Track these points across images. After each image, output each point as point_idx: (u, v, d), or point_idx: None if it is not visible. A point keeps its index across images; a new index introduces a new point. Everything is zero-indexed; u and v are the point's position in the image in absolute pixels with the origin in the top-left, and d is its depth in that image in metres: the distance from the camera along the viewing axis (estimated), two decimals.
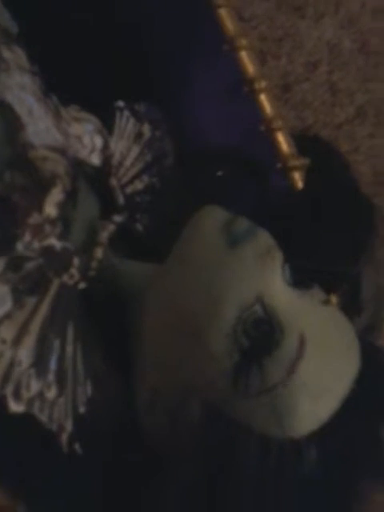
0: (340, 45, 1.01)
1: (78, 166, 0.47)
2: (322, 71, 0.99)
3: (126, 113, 0.52)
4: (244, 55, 0.54)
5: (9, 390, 0.43)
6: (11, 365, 0.43)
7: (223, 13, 0.54)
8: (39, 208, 0.44)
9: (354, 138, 1.00)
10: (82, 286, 0.47)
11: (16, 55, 0.45)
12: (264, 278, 0.44)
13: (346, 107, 1.00)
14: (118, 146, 0.51)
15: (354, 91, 1.01)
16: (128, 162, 0.52)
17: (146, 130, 0.53)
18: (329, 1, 1.00)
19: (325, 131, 0.99)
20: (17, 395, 0.43)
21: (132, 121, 0.53)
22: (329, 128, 0.99)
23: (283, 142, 0.56)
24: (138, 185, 0.53)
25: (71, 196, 0.46)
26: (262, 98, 0.55)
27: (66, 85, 0.48)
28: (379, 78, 1.01)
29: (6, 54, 0.45)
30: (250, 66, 0.55)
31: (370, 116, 1.01)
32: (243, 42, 0.54)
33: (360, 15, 1.01)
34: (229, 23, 0.54)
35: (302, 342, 0.43)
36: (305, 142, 0.59)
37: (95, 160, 0.49)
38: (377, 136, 1.01)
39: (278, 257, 0.46)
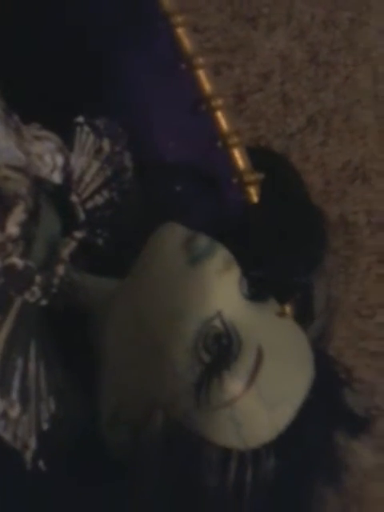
0: (292, 56, 1.03)
1: (39, 185, 0.48)
2: (274, 82, 1.02)
3: (86, 128, 0.53)
4: (201, 74, 0.56)
5: None
6: None
7: (180, 32, 0.55)
8: (1, 227, 0.44)
9: (305, 147, 1.03)
10: (43, 303, 0.48)
11: None
12: (223, 293, 0.46)
13: (298, 117, 1.03)
14: (78, 162, 0.52)
15: (305, 101, 1.04)
16: (88, 178, 0.53)
17: (106, 145, 0.54)
18: (281, 12, 1.02)
19: (277, 141, 1.01)
20: None
21: (92, 136, 0.53)
22: (281, 137, 1.02)
23: (239, 157, 0.58)
24: (98, 200, 0.54)
25: (33, 214, 0.46)
26: (219, 115, 0.57)
27: (25, 103, 0.48)
28: (330, 88, 1.04)
29: None
30: (206, 85, 0.56)
31: (320, 125, 1.04)
32: (200, 60, 0.56)
33: (311, 27, 1.04)
34: (186, 43, 0.55)
35: (259, 355, 0.45)
36: (258, 154, 0.61)
37: (56, 178, 0.50)
38: (327, 145, 1.04)
39: (236, 272, 0.47)
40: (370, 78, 1.04)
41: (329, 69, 1.04)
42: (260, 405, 0.45)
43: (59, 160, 0.50)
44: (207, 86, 0.56)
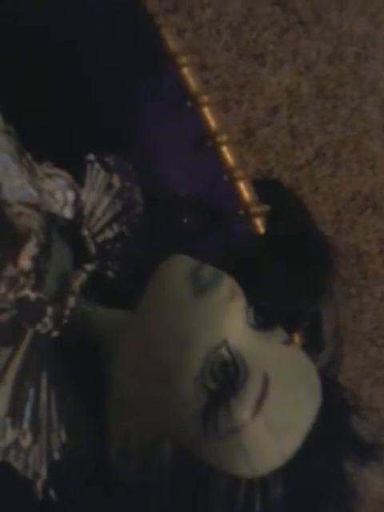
0: (298, 90, 1.05)
1: (51, 220, 0.50)
2: (282, 115, 1.04)
3: (97, 165, 0.55)
4: (206, 111, 0.58)
5: None
6: None
7: (186, 72, 0.58)
8: (14, 261, 0.46)
9: (314, 178, 1.04)
10: (54, 334, 0.49)
11: None
12: (229, 322, 0.47)
13: (306, 149, 1.05)
14: (89, 198, 0.54)
15: (313, 134, 1.05)
16: (99, 212, 0.55)
17: (116, 180, 0.56)
18: (287, 49, 1.05)
19: (286, 173, 1.03)
20: None
21: (102, 173, 0.55)
22: (290, 170, 1.03)
23: (245, 190, 0.60)
24: (109, 233, 0.55)
25: (45, 248, 0.48)
26: (224, 149, 0.59)
27: (38, 142, 0.50)
28: (337, 120, 1.06)
29: None
30: (212, 121, 0.58)
31: (329, 157, 1.06)
32: (205, 98, 0.58)
33: (316, 62, 1.06)
34: (192, 82, 0.58)
35: (265, 382, 0.46)
36: (265, 187, 0.62)
37: (67, 213, 0.52)
38: (336, 176, 1.05)
39: (242, 301, 0.48)
40: (378, 109, 1.06)
41: (336, 102, 1.06)
42: (267, 432, 0.45)
43: (70, 196, 0.52)
44: (212, 123, 0.58)
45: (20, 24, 0.58)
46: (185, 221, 0.58)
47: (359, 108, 1.07)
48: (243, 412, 0.45)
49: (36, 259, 0.47)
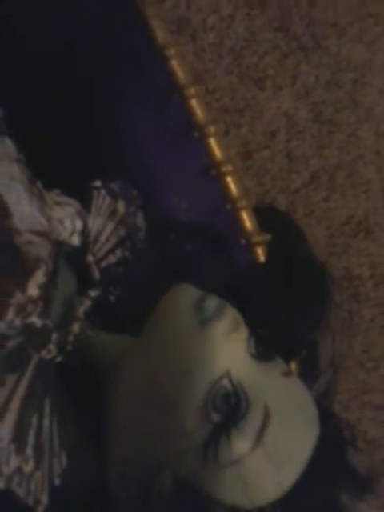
0: (297, 114, 1.06)
1: (59, 248, 0.50)
2: (280, 139, 1.05)
3: (103, 192, 0.56)
4: (212, 141, 0.59)
5: None
6: None
7: (194, 103, 0.59)
8: (23, 289, 0.46)
9: (309, 202, 1.05)
10: (59, 359, 0.49)
11: (5, 146, 0.48)
12: (231, 353, 0.47)
13: (302, 173, 1.06)
14: (94, 224, 0.55)
15: (309, 158, 1.07)
16: (103, 238, 0.55)
17: (121, 206, 0.56)
18: (286, 74, 1.06)
19: (282, 196, 1.04)
20: None
21: (108, 199, 0.56)
22: (286, 193, 1.05)
23: (247, 219, 0.61)
24: (112, 258, 0.56)
25: (52, 276, 0.48)
26: (228, 179, 0.60)
27: (48, 170, 0.51)
28: (333, 145, 1.08)
29: None
30: (217, 151, 0.59)
31: (324, 181, 1.07)
32: (212, 129, 0.59)
33: (315, 87, 1.08)
34: (199, 113, 0.59)
35: (266, 414, 0.46)
36: (263, 214, 0.63)
37: (75, 241, 0.52)
38: (331, 200, 1.07)
39: (244, 332, 0.49)
40: (373, 136, 1.08)
41: (333, 127, 1.07)
42: (267, 463, 0.46)
43: (78, 224, 0.52)
44: (218, 153, 0.59)
45: (25, 53, 0.59)
46: (187, 247, 0.59)
47: (355, 133, 1.08)
48: (244, 443, 0.45)
49: (43, 287, 0.47)
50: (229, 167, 0.59)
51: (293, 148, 1.06)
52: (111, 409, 0.49)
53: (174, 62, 0.58)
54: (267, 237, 0.61)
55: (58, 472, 0.47)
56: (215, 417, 0.46)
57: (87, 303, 0.51)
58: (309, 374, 0.54)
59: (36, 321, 0.47)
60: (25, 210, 0.47)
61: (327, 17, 1.06)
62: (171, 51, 0.57)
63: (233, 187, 0.60)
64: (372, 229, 1.08)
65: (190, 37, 1.02)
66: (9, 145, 0.49)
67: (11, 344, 0.47)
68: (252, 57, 1.04)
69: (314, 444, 0.48)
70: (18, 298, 0.46)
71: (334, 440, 0.50)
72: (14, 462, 0.45)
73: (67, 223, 0.51)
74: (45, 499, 0.46)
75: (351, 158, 1.07)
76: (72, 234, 0.52)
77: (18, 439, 0.46)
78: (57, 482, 0.46)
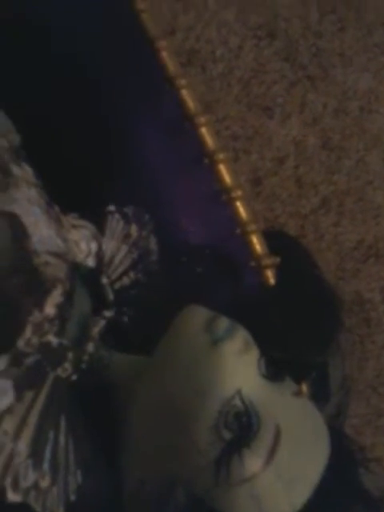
0: (305, 141, 1.09)
1: (75, 269, 0.52)
2: (288, 166, 1.07)
3: (117, 216, 0.58)
4: (222, 168, 0.61)
5: (8, 480, 0.45)
6: (11, 456, 0.46)
7: (204, 131, 0.61)
8: (40, 308, 0.48)
9: (319, 227, 1.07)
10: (74, 378, 0.50)
11: (24, 171, 0.50)
12: (242, 372, 0.48)
13: (311, 198, 1.08)
14: (108, 246, 0.56)
15: (318, 183, 1.08)
16: (117, 260, 0.57)
17: (134, 230, 0.58)
18: (295, 102, 1.09)
19: (292, 221, 1.06)
20: (15, 486, 0.45)
21: (121, 223, 0.58)
22: (295, 218, 1.06)
23: (257, 243, 0.62)
24: (125, 280, 0.57)
25: (69, 296, 0.50)
26: (238, 204, 0.62)
27: (65, 195, 0.53)
28: (342, 171, 1.09)
29: (16, 170, 0.50)
30: (227, 177, 0.61)
31: (333, 206, 1.08)
32: (221, 156, 0.61)
33: (323, 115, 1.10)
34: (209, 140, 0.61)
35: (277, 433, 0.47)
36: (273, 238, 0.65)
37: (90, 263, 0.54)
38: (340, 225, 1.08)
39: (255, 353, 0.50)
40: (381, 161, 1.09)
41: (341, 153, 1.09)
42: (278, 482, 0.46)
43: (93, 246, 0.54)
44: (228, 179, 0.61)
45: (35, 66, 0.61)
46: (198, 270, 0.60)
47: (363, 159, 1.10)
48: (255, 462, 0.46)
49: (60, 307, 0.49)
50: (238, 192, 0.61)
51: (302, 174, 1.08)
52: (125, 428, 0.50)
53: (184, 92, 0.60)
54: (277, 260, 0.62)
55: (74, 488, 0.47)
56: (227, 435, 0.46)
57: (101, 323, 0.52)
58: (319, 396, 0.55)
59: (52, 339, 0.49)
60: (43, 233, 0.49)
61: (334, 47, 1.09)
62: (181, 82, 0.60)
63: (242, 212, 0.62)
64: (382, 253, 1.08)
65: (200, 68, 1.05)
66: (27, 170, 0.51)
67: (29, 361, 0.48)
68: (260, 86, 1.07)
69: (326, 463, 0.48)
70: (36, 316, 0.47)
71: (345, 460, 0.50)
72: (32, 476, 0.46)
73: (83, 245, 0.53)
74: None
75: (360, 184, 1.09)
76: (87, 255, 0.54)
77: (36, 454, 0.46)
78: (72, 497, 0.47)
